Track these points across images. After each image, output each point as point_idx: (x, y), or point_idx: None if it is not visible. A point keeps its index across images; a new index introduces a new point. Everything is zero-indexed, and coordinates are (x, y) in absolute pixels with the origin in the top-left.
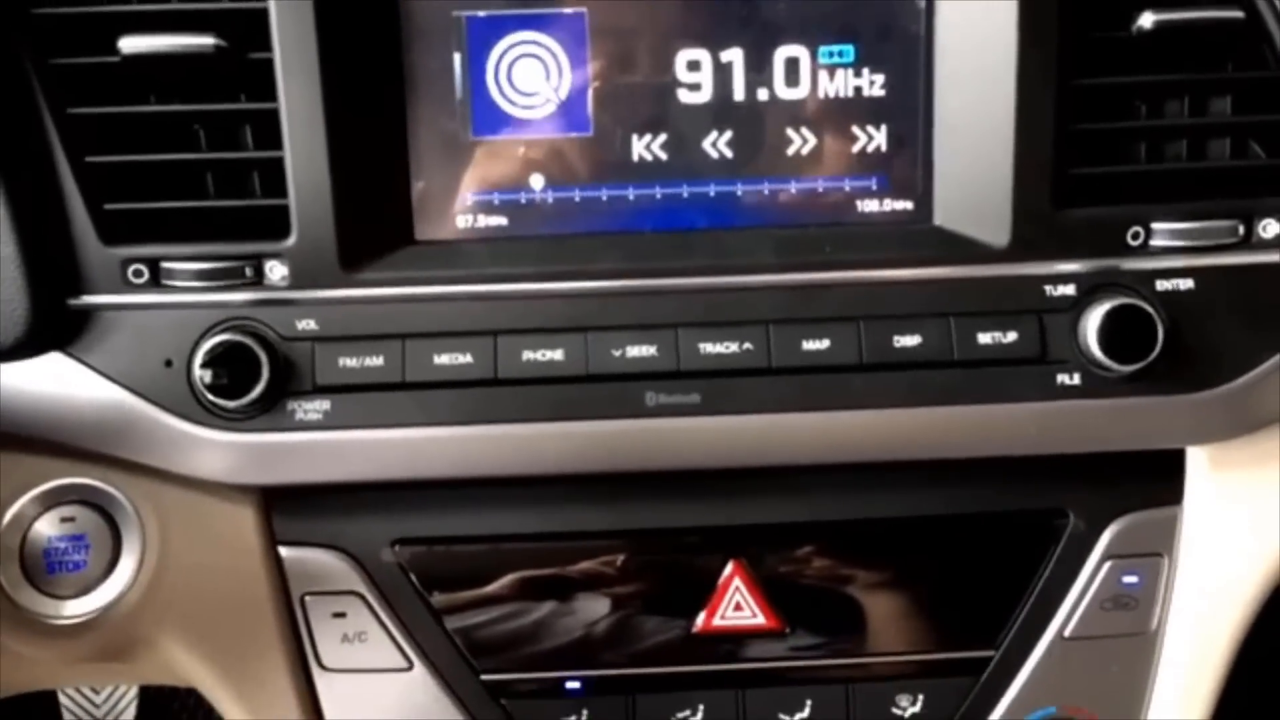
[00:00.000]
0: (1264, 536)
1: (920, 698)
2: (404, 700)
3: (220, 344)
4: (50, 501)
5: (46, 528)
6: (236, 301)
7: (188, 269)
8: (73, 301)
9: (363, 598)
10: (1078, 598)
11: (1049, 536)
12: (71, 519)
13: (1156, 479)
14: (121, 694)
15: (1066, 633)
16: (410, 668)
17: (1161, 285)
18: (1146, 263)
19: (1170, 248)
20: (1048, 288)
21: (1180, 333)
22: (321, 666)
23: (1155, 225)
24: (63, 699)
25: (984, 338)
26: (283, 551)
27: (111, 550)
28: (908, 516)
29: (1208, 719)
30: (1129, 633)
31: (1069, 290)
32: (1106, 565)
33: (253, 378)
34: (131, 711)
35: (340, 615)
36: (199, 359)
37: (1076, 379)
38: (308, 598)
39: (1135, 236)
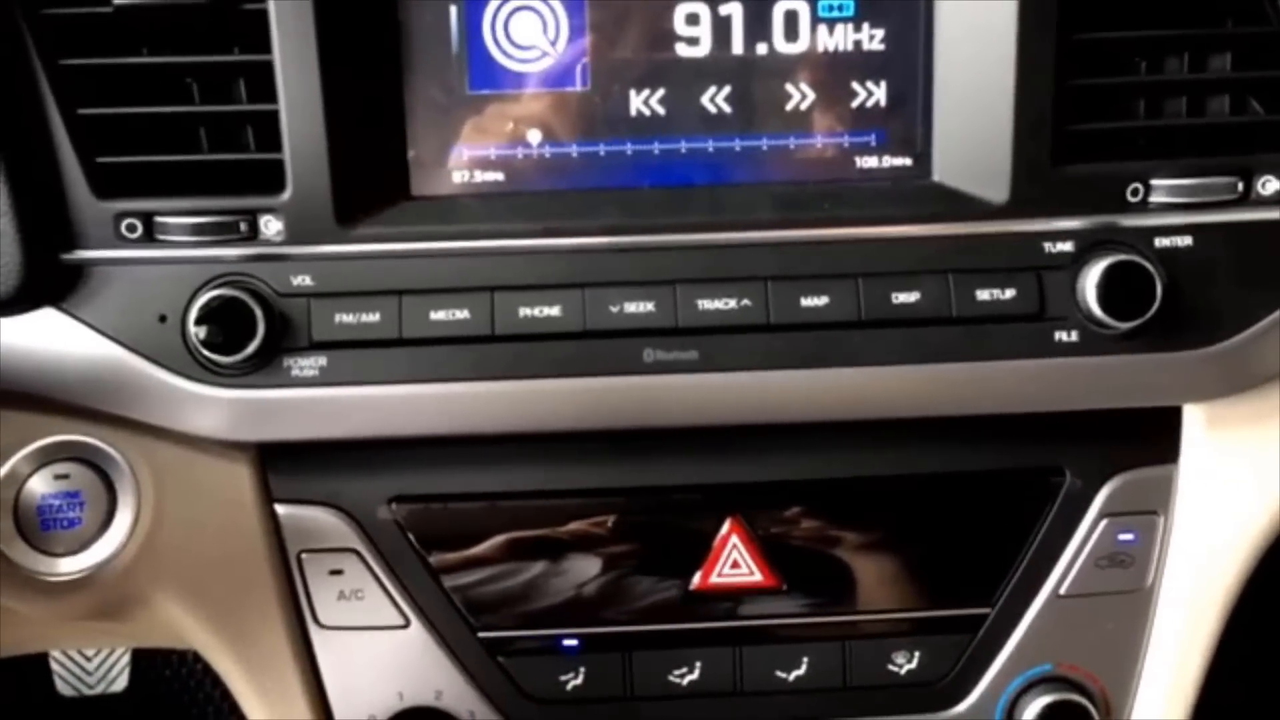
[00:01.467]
0: (1260, 494)
1: (916, 655)
2: (401, 658)
3: (215, 299)
4: (44, 459)
5: (40, 485)
6: (231, 257)
7: (181, 223)
8: (65, 256)
9: (359, 555)
10: (1073, 555)
11: (1045, 494)
12: (66, 476)
13: (1153, 437)
14: (114, 661)
15: (1062, 590)
16: (407, 625)
17: (1160, 242)
18: (1145, 219)
19: (1169, 204)
20: (1046, 244)
21: (1178, 290)
22: (318, 624)
23: (1154, 182)
24: (54, 665)
25: (982, 294)
26: (279, 509)
27: (106, 507)
28: (905, 474)
29: (1203, 675)
30: (1124, 590)
31: (1067, 247)
32: (1103, 523)
33: (248, 334)
34: (124, 679)
35: (337, 573)
36: (193, 314)
37: (1074, 336)
38: (304, 555)
39: (1134, 193)
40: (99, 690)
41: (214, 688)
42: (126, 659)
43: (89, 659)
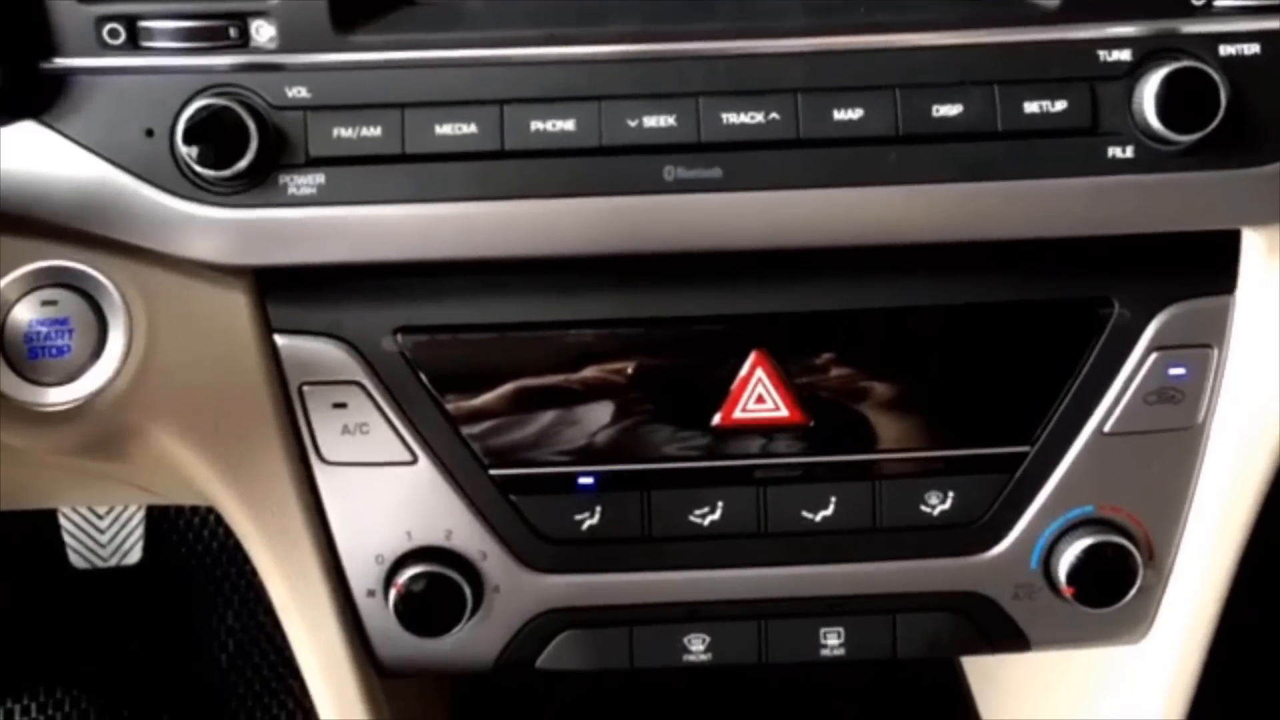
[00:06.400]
0: None
1: (950, 495)
2: (408, 495)
3: (203, 109)
4: (30, 284)
5: (27, 312)
6: (221, 66)
7: (166, 28)
8: (45, 64)
9: (363, 388)
10: (1120, 391)
11: (1092, 327)
12: (53, 303)
13: (1209, 265)
14: (127, 532)
15: (1107, 428)
16: (414, 461)
17: (1225, 50)
18: (1209, 25)
19: (1235, 8)
20: (1101, 52)
21: (1243, 101)
22: (322, 459)
23: None
24: (66, 537)
25: (1030, 107)
26: (278, 339)
27: (96, 336)
28: (942, 305)
29: (1253, 519)
30: (1173, 428)
31: (1124, 55)
32: (1152, 357)
33: (239, 148)
34: (138, 551)
35: (340, 406)
36: (181, 126)
37: (1129, 152)
38: (305, 388)
39: None
40: (113, 562)
41: (229, 564)
42: (140, 530)
43: (101, 531)
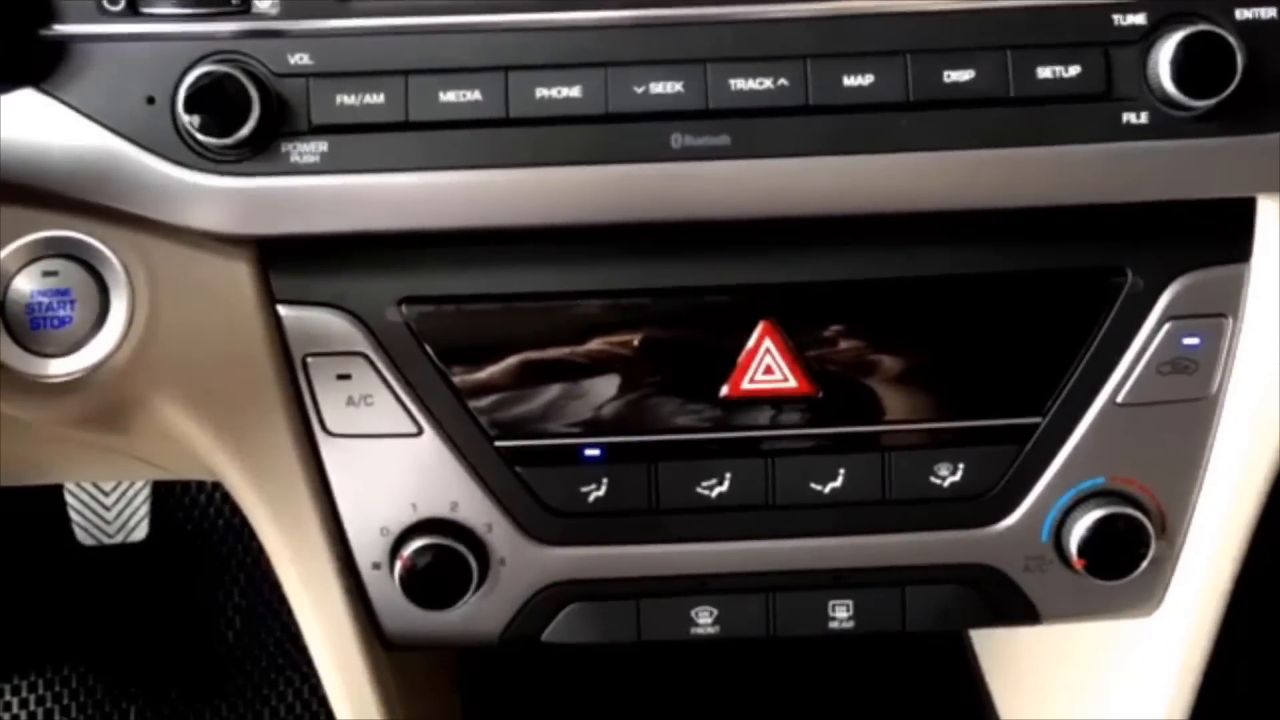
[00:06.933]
0: None
1: (961, 467)
2: (413, 467)
3: (205, 75)
4: (31, 255)
5: (27, 283)
6: (222, 33)
7: None
8: (44, 31)
9: (368, 359)
10: (1133, 361)
11: (1105, 296)
12: (54, 273)
13: (1223, 233)
14: (133, 509)
15: (1119, 399)
16: (419, 433)
17: (1241, 14)
18: None
19: None
20: (1116, 17)
21: (1260, 66)
22: (326, 431)
23: None
24: (72, 514)
25: (1043, 72)
26: (281, 310)
27: (98, 307)
28: (952, 275)
29: (1267, 489)
30: (1187, 398)
31: (1139, 19)
32: (1166, 326)
33: (242, 115)
34: (144, 528)
35: (345, 377)
36: (182, 93)
37: (1144, 118)
38: (309, 359)
39: None
40: (119, 539)
41: (236, 541)
42: (146, 508)
43: (107, 508)
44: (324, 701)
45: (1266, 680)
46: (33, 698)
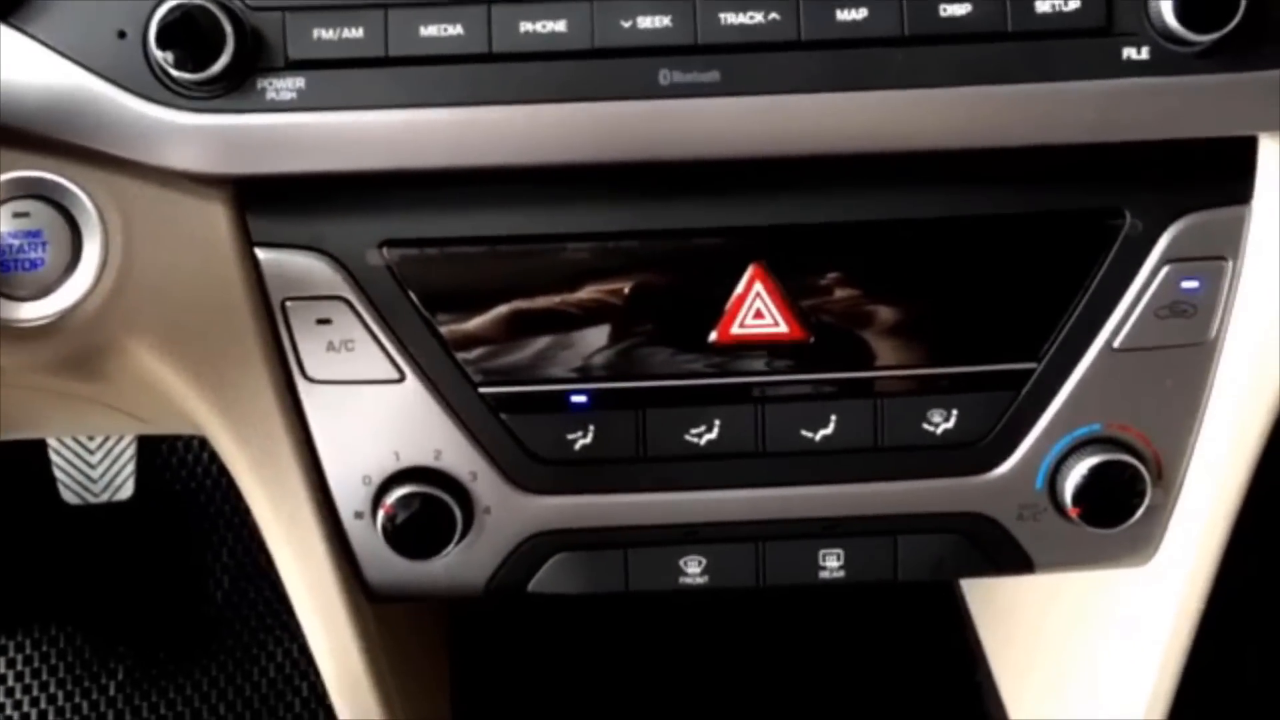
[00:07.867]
0: None
1: (954, 413)
2: (395, 414)
3: (177, 8)
4: (1, 196)
5: None
6: None
7: None
8: None
9: (349, 303)
10: (1130, 305)
11: (1102, 239)
12: (25, 214)
13: (1224, 174)
14: (119, 467)
15: (1116, 343)
16: (401, 379)
17: None
18: None
19: None
20: None
21: (1265, 1)
22: (306, 377)
23: None
24: (57, 473)
25: (1042, 6)
26: (259, 253)
27: (71, 249)
28: (947, 216)
29: (1265, 436)
30: (1185, 343)
31: None
32: (1165, 269)
33: (215, 49)
34: (130, 486)
35: (325, 322)
36: (154, 27)
37: (1144, 54)
38: (288, 303)
39: None
40: (104, 498)
41: (224, 500)
42: (131, 466)
43: (92, 466)
44: (313, 661)
45: (1260, 632)
46: (20, 658)
